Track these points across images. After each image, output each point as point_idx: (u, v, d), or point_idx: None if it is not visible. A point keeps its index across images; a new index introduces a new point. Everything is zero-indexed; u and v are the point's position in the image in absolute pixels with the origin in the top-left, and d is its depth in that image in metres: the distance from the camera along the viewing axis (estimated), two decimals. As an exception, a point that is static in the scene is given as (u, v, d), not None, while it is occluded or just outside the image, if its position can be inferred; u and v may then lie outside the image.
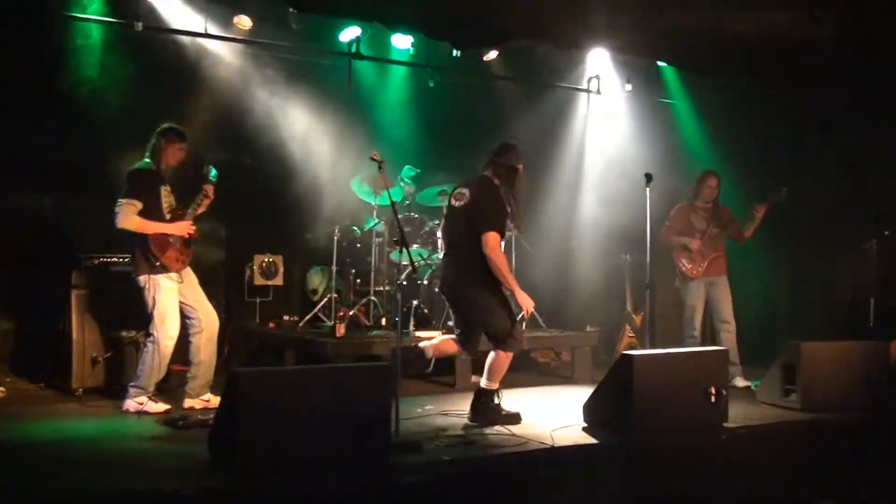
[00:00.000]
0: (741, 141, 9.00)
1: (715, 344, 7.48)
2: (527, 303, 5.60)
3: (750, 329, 7.79)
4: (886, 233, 7.38)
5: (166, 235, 5.78)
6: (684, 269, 7.40)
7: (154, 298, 5.72)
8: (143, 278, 5.75)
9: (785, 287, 9.24)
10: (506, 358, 5.54)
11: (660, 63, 9.49)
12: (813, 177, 8.27)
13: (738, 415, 5.64)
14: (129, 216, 5.64)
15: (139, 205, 5.68)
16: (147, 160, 5.90)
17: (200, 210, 6.05)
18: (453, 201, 5.69)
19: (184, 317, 5.92)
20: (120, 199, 5.67)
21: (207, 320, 5.98)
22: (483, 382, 5.59)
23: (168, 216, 5.87)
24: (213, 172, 6.06)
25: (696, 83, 9.54)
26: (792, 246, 8.75)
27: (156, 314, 5.73)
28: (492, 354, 5.58)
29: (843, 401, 5.99)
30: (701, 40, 8.08)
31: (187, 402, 5.92)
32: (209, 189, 6.03)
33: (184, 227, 5.88)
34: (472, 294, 5.52)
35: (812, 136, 8.57)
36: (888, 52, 7.54)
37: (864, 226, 7.71)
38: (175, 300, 5.84)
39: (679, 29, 7.88)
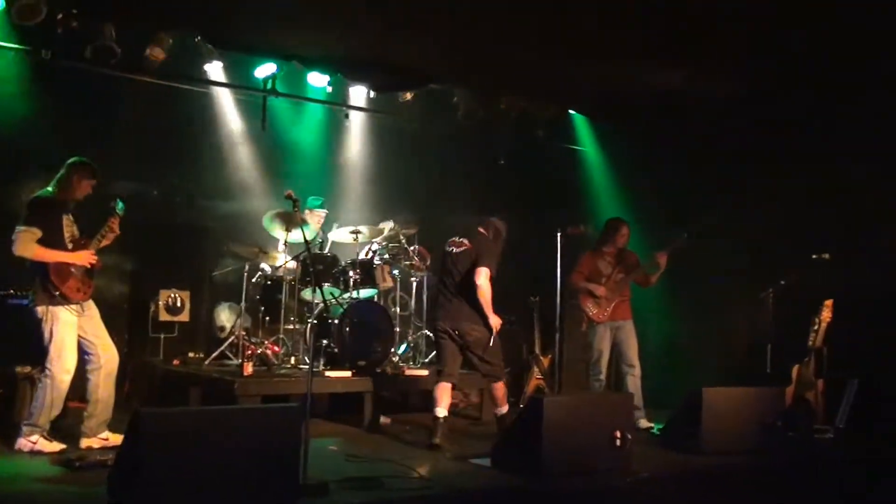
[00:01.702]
0: (647, 188, 9.28)
1: (619, 387, 7.63)
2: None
3: (652, 372, 7.97)
4: (782, 282, 7.69)
5: (67, 265, 5.60)
6: (591, 313, 7.54)
7: (52, 331, 5.53)
8: (41, 309, 5.55)
9: (686, 332, 9.51)
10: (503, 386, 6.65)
11: (571, 112, 9.75)
12: (713, 226, 8.56)
13: (642, 458, 5.74)
14: (26, 244, 5.46)
15: (38, 233, 5.50)
16: (50, 189, 5.73)
17: (104, 242, 5.88)
18: (453, 248, 6.68)
19: (82, 352, 5.72)
20: (18, 227, 5.50)
21: (107, 356, 5.79)
22: (503, 410, 6.59)
23: (70, 246, 5.69)
24: (121, 205, 5.92)
25: (604, 131, 9.83)
26: (693, 292, 9.02)
27: (52, 347, 5.54)
28: (496, 386, 6.63)
29: (743, 445, 6.15)
30: (609, 91, 8.37)
31: (84, 442, 5.70)
32: (115, 222, 5.88)
33: (85, 257, 5.70)
34: (474, 325, 6.52)
35: (711, 188, 8.90)
36: (778, 107, 7.94)
37: (762, 275, 8.00)
38: (74, 334, 5.65)
39: (590, 81, 8.15)
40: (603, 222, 7.95)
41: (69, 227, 5.75)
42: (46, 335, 5.54)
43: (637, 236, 8.18)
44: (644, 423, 7.23)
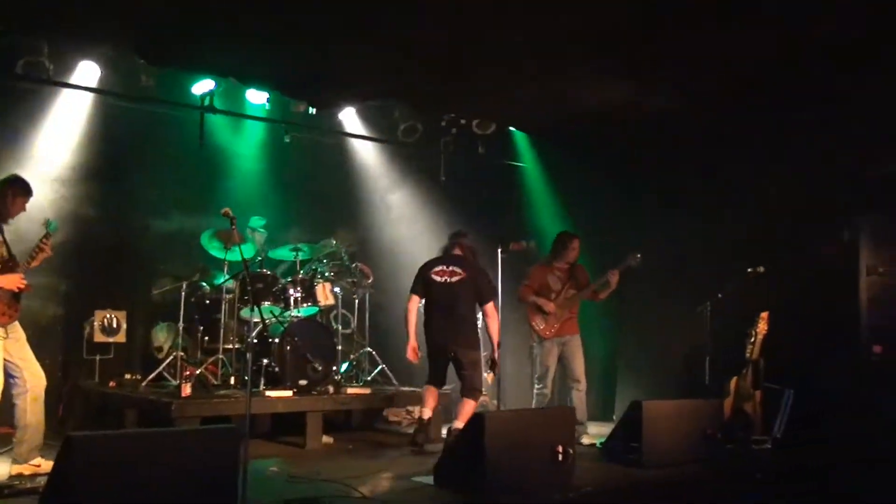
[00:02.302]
0: (588, 204, 9.38)
1: (563, 402, 7.66)
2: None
3: (593, 386, 8.02)
4: (720, 295, 7.81)
5: None
6: (538, 329, 7.53)
7: None
8: None
9: (625, 345, 9.62)
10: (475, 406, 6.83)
11: (511, 129, 9.83)
12: (656, 240, 8.69)
13: (584, 473, 5.76)
14: None
15: None
16: None
17: (34, 264, 5.71)
18: (446, 278, 6.97)
19: (7, 375, 5.54)
20: None
21: (33, 380, 5.62)
22: (460, 424, 6.54)
23: None
24: (53, 225, 5.77)
25: (544, 147, 9.92)
26: (635, 305, 9.12)
27: None
28: (469, 402, 6.81)
29: (682, 456, 6.22)
30: (548, 108, 8.45)
31: (15, 468, 5.52)
32: (46, 243, 5.72)
33: (13, 281, 5.53)
34: (472, 350, 6.96)
35: (649, 202, 9.04)
36: (713, 121, 8.11)
37: (699, 288, 8.13)
38: None
39: (528, 98, 8.22)
40: (545, 238, 8.00)
41: None
42: None
43: (583, 252, 8.25)
44: (587, 439, 7.26)
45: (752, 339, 7.56)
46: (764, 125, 8.01)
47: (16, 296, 5.60)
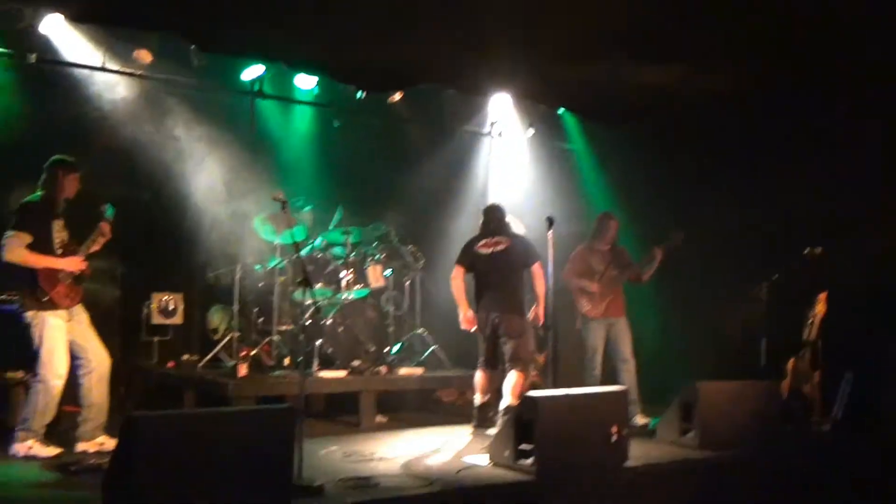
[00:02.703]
0: (637, 185, 9.28)
1: (615, 383, 7.62)
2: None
3: (645, 368, 7.96)
4: (775, 276, 7.69)
5: (56, 270, 5.59)
6: (584, 309, 7.54)
7: (41, 336, 5.51)
8: (30, 314, 5.53)
9: (678, 326, 9.50)
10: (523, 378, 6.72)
11: (561, 110, 9.75)
12: (706, 220, 8.58)
13: (638, 453, 5.74)
14: (15, 249, 5.44)
15: (27, 238, 5.49)
16: (38, 194, 5.71)
17: (94, 248, 5.87)
18: (491, 249, 6.95)
19: (73, 356, 5.70)
20: (8, 232, 5.48)
21: (97, 360, 5.77)
22: (513, 401, 6.51)
23: (59, 251, 5.68)
24: (111, 210, 5.90)
25: (594, 129, 9.83)
26: (685, 287, 9.01)
27: (43, 352, 5.52)
28: (514, 374, 6.69)
29: (739, 438, 6.16)
30: (599, 90, 8.36)
31: (80, 446, 5.67)
32: (105, 227, 5.86)
33: (74, 263, 5.68)
34: (513, 315, 6.84)
35: (704, 182, 8.90)
36: (772, 102, 7.95)
37: (755, 270, 8.01)
38: (64, 338, 5.62)
39: (578, 79, 8.14)
40: (593, 219, 7.94)
41: (59, 233, 5.73)
42: (36, 340, 5.52)
43: (629, 233, 8.19)
44: (640, 419, 7.23)
45: (810, 321, 7.45)
46: (821, 103, 7.83)
47: (77, 279, 5.74)
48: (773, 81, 7.69)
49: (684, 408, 6.32)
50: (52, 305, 5.55)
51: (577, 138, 10.01)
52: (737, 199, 8.54)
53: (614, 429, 5.50)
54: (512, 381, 6.65)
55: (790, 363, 7.45)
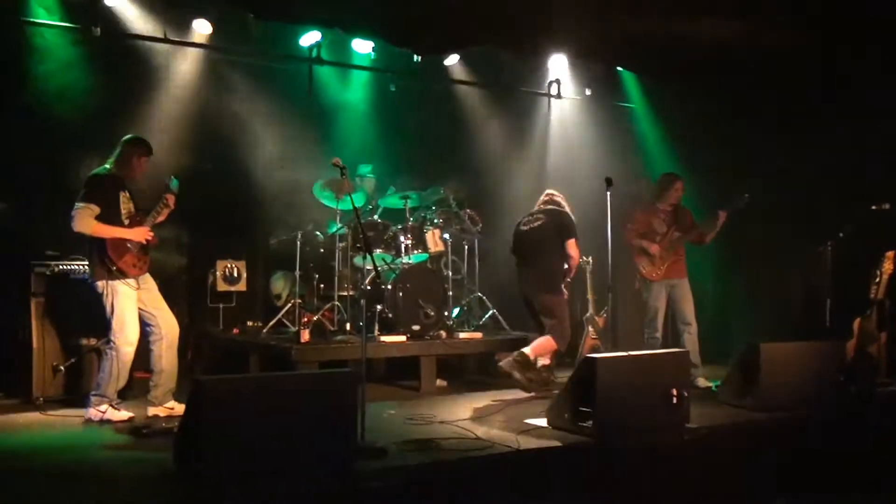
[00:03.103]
0: (698, 144, 9.13)
1: (676, 345, 7.57)
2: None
3: (706, 329, 7.89)
4: (841, 235, 7.52)
5: (123, 240, 5.73)
6: (644, 271, 7.47)
7: (112, 304, 5.68)
8: (100, 283, 5.70)
9: (741, 288, 9.38)
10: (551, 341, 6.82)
11: (619, 68, 9.61)
12: (768, 179, 8.41)
13: (699, 415, 5.70)
14: (85, 219, 5.59)
15: (96, 209, 5.63)
16: (107, 166, 5.85)
17: (160, 219, 6.00)
18: (529, 226, 7.11)
19: (143, 324, 5.87)
20: (77, 203, 5.62)
21: (167, 327, 5.93)
22: (545, 360, 6.96)
23: (126, 222, 5.82)
24: (175, 182, 6.02)
25: (654, 87, 9.67)
26: (746, 247, 8.88)
27: (114, 320, 5.69)
28: (545, 337, 6.85)
29: (802, 400, 6.06)
30: (657, 47, 8.21)
31: (151, 410, 5.87)
32: (170, 198, 5.99)
33: (141, 233, 5.83)
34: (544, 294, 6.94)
35: (768, 140, 8.72)
36: (841, 56, 7.71)
37: (819, 228, 7.85)
38: (134, 306, 5.78)
39: (636, 36, 8.00)
40: (656, 178, 7.84)
41: (126, 204, 5.87)
42: (108, 309, 5.69)
43: (691, 193, 8.06)
44: (703, 382, 7.18)
45: (878, 280, 7.28)
46: (885, 58, 7.57)
47: (144, 249, 5.89)
48: (845, 33, 7.45)
49: (745, 369, 6.23)
50: (121, 274, 5.70)
51: (637, 97, 9.86)
52: (802, 157, 8.36)
53: (675, 391, 5.47)
54: (541, 342, 6.84)
55: (856, 323, 7.31)
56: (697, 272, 7.90)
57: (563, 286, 7.05)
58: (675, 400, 5.46)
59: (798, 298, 8.44)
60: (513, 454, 4.84)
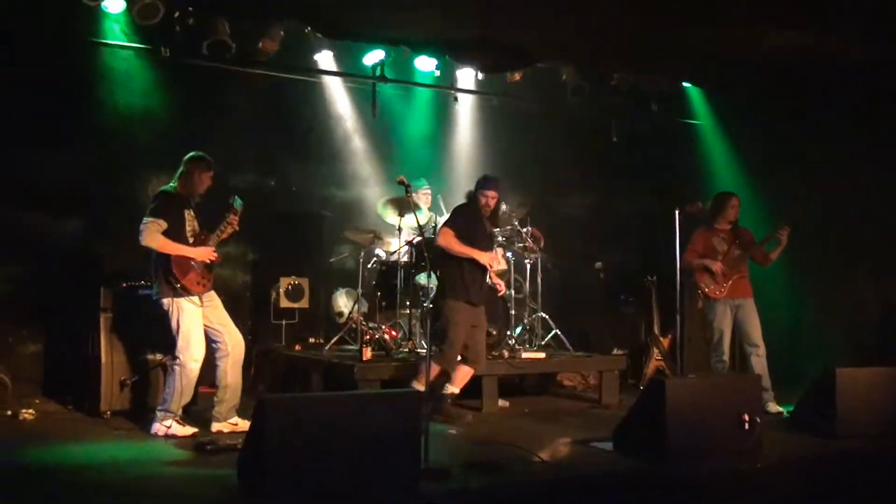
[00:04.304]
0: (767, 161, 8.93)
1: (743, 368, 7.38)
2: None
3: (775, 352, 7.66)
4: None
5: (188, 258, 5.78)
6: (707, 290, 7.28)
7: (178, 321, 5.73)
8: (166, 301, 5.76)
9: (811, 308, 9.12)
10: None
11: (685, 84, 9.46)
12: (840, 196, 8.19)
13: (772, 442, 5.53)
14: (153, 234, 5.65)
15: (164, 224, 5.70)
16: (173, 184, 5.93)
17: (223, 237, 6.05)
18: None
19: (209, 340, 5.91)
20: (145, 218, 5.70)
21: (233, 343, 5.97)
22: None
23: (191, 240, 5.88)
24: (239, 202, 6.06)
25: (721, 104, 9.50)
26: (817, 267, 8.62)
27: (180, 337, 5.74)
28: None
29: (880, 427, 5.86)
30: (726, 61, 8.05)
31: (215, 426, 5.90)
32: (234, 219, 6.03)
33: (206, 252, 5.87)
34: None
35: (839, 157, 8.48)
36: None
37: (893, 244, 7.59)
38: (199, 323, 5.83)
39: (704, 49, 7.86)
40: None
41: (191, 222, 5.94)
42: (174, 326, 5.74)
43: (758, 211, 7.88)
44: (774, 407, 6.95)
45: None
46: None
47: (209, 267, 5.94)
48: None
49: (821, 395, 6.03)
50: (185, 292, 5.76)
51: (703, 112, 9.69)
52: (875, 174, 8.10)
53: (746, 416, 5.31)
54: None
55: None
56: (765, 292, 7.68)
57: (455, 293, 6.34)
58: (746, 425, 5.31)
59: (873, 319, 8.15)
60: (578, 479, 4.74)
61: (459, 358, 6.44)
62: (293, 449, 4.11)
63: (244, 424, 5.72)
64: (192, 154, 6.02)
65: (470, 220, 6.48)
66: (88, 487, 4.50)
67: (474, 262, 6.36)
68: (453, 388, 6.48)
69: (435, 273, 5.49)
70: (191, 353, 5.74)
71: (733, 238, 7.37)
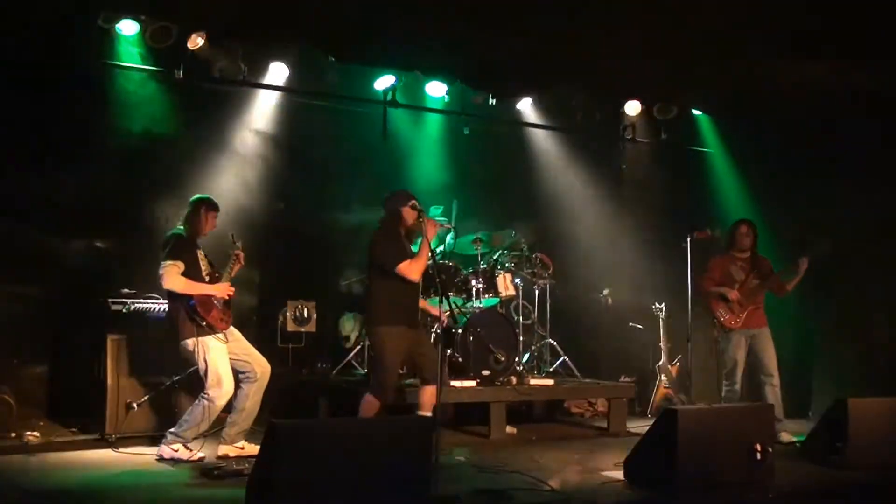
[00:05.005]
0: (779, 189, 8.91)
1: (754, 398, 7.32)
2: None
3: (787, 381, 7.59)
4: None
5: (209, 297, 5.84)
6: (723, 319, 7.23)
7: (206, 360, 5.73)
8: (191, 342, 5.76)
9: (821, 336, 9.07)
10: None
11: (695, 112, 9.47)
12: (852, 225, 8.15)
13: (784, 472, 5.46)
14: (175, 277, 5.71)
15: (182, 266, 5.75)
16: (181, 227, 5.98)
17: (233, 273, 6.12)
18: None
19: (237, 372, 5.93)
20: (164, 262, 5.74)
21: (261, 370, 6.00)
22: None
23: (206, 279, 5.93)
24: (238, 242, 6.16)
25: (731, 132, 9.50)
26: (828, 293, 8.57)
27: (210, 375, 5.73)
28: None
29: (893, 458, 5.78)
30: (737, 90, 8.07)
31: (222, 449, 5.85)
32: (240, 255, 6.10)
33: (224, 289, 5.95)
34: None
35: (846, 183, 8.45)
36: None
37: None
38: (226, 358, 5.85)
39: (713, 78, 7.88)
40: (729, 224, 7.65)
41: (203, 262, 6.00)
42: (202, 365, 5.74)
43: (770, 241, 7.84)
44: (786, 437, 6.87)
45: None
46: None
47: (227, 303, 6.01)
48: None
49: (833, 425, 5.97)
50: (210, 330, 5.79)
51: (713, 141, 9.69)
52: (886, 201, 8.08)
53: (759, 446, 5.25)
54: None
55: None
56: (776, 319, 7.63)
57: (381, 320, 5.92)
58: (759, 456, 5.25)
59: (886, 348, 8.09)
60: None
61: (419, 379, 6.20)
62: (303, 474, 4.06)
63: (250, 448, 5.75)
64: (198, 196, 6.12)
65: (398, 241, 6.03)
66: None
67: (406, 283, 5.88)
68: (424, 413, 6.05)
69: (444, 298, 5.39)
70: (223, 391, 5.75)
71: (751, 267, 7.32)
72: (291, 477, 4.03)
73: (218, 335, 5.82)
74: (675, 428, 5.02)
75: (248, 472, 4.87)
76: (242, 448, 5.88)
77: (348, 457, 4.19)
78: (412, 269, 5.82)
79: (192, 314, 5.73)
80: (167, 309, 5.96)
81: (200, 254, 5.99)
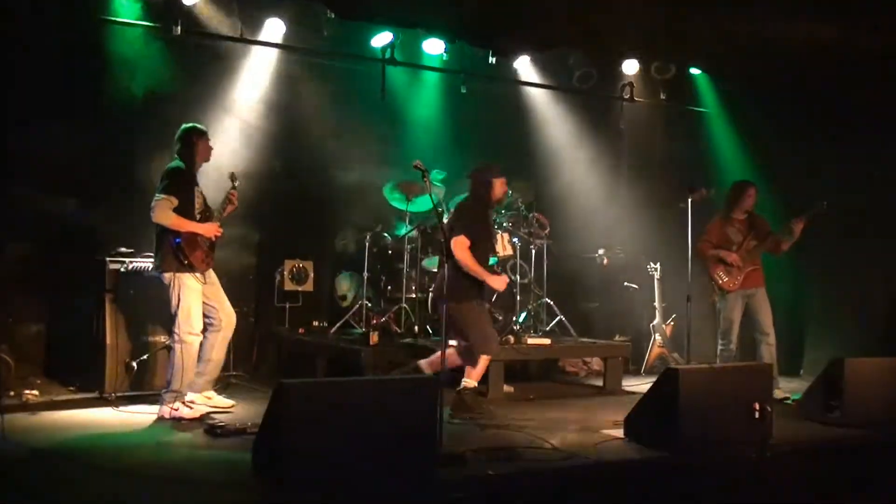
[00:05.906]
0: (775, 149, 8.90)
1: (749, 356, 7.38)
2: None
3: (781, 339, 7.66)
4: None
5: (196, 235, 5.79)
6: (721, 281, 7.26)
7: (179, 296, 5.72)
8: (168, 275, 5.74)
9: (816, 297, 9.13)
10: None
11: (693, 71, 9.42)
12: (850, 185, 8.17)
13: (781, 431, 5.52)
14: (165, 211, 5.64)
15: (175, 201, 5.69)
16: (178, 162, 5.88)
17: (226, 214, 6.08)
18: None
19: (204, 316, 5.92)
20: (157, 195, 5.68)
21: (227, 320, 6.03)
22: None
23: (198, 217, 5.88)
24: (236, 180, 6.15)
25: (729, 92, 9.46)
26: (822, 252, 8.62)
27: (180, 312, 5.73)
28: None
29: (888, 417, 5.87)
30: (738, 49, 8.01)
31: (189, 396, 5.83)
32: (234, 195, 6.07)
33: (212, 229, 5.91)
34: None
35: (849, 146, 8.45)
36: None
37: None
38: (199, 299, 5.84)
39: (715, 36, 7.82)
40: (728, 186, 7.64)
41: (198, 199, 5.93)
42: (174, 300, 5.73)
43: (767, 202, 7.85)
44: (780, 394, 6.96)
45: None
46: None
47: (212, 245, 5.97)
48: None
49: (829, 384, 6.05)
50: (190, 268, 5.76)
51: (711, 100, 9.65)
52: (884, 163, 8.09)
53: (757, 405, 5.30)
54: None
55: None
56: (773, 281, 7.67)
57: (469, 295, 5.93)
58: (757, 414, 5.30)
59: (881, 307, 8.15)
60: (591, 466, 4.74)
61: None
62: (310, 434, 4.08)
63: (218, 400, 5.97)
64: (185, 126, 6.01)
65: (480, 221, 6.09)
66: (95, 472, 4.45)
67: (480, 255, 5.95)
68: (472, 382, 6.09)
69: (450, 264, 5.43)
70: (190, 327, 5.75)
71: (749, 228, 7.34)
72: (299, 436, 4.05)
73: (196, 274, 5.80)
74: (677, 387, 5.06)
75: (251, 431, 4.91)
76: (210, 398, 6.00)
77: (356, 416, 4.20)
78: (461, 254, 5.84)
79: (175, 251, 5.70)
80: (155, 235, 5.85)
81: (197, 189, 5.93)
